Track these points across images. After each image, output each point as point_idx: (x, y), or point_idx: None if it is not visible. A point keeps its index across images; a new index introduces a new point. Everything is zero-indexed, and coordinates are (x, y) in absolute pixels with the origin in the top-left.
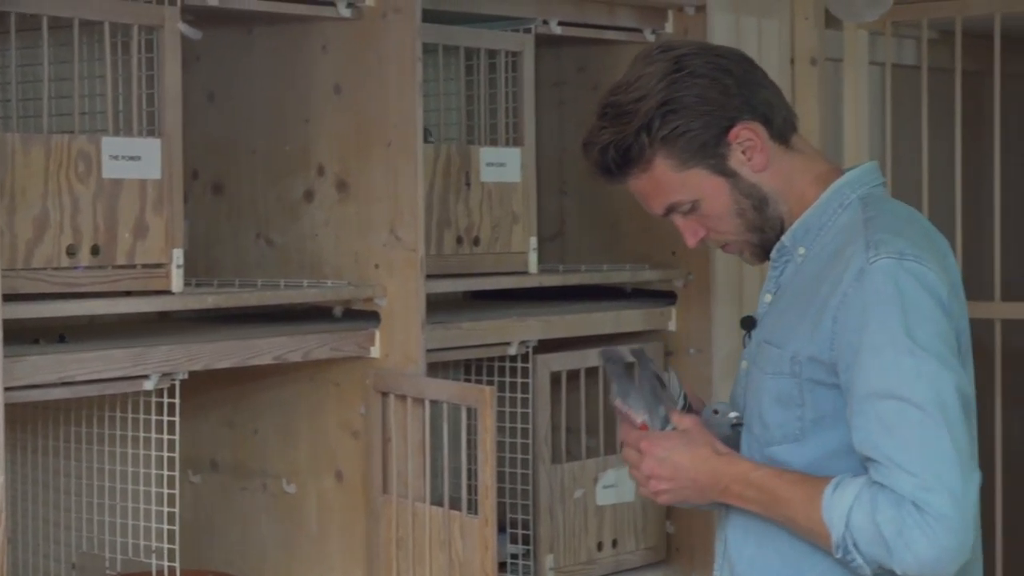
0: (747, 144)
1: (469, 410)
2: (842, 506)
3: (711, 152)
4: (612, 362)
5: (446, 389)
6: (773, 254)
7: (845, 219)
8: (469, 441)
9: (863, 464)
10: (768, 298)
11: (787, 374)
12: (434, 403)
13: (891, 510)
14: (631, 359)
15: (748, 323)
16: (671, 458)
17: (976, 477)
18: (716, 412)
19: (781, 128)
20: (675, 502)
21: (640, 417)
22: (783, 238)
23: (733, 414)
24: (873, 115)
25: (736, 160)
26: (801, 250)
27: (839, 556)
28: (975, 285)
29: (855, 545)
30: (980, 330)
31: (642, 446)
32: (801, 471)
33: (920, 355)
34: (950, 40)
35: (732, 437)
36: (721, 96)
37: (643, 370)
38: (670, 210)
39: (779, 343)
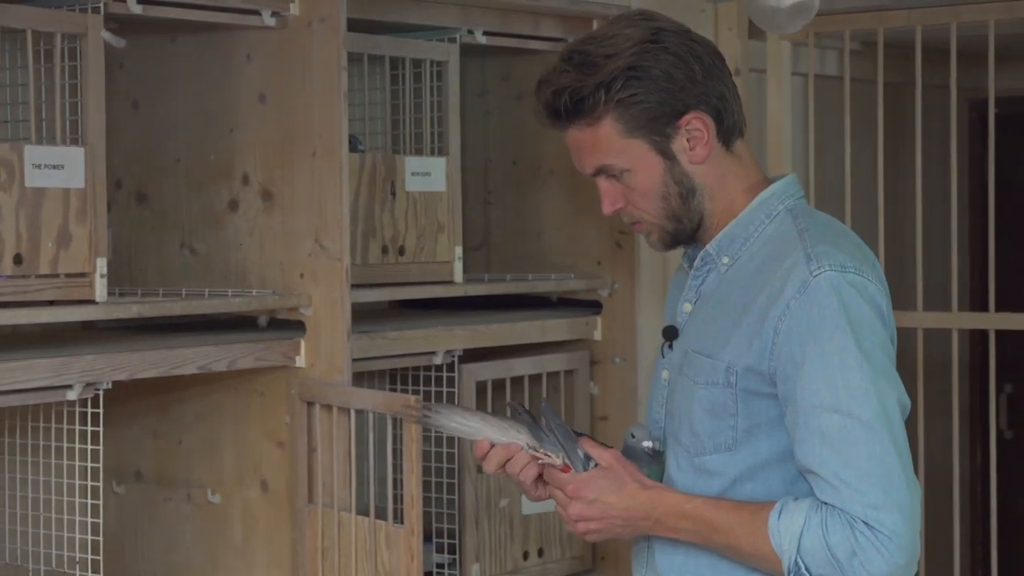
0: (694, 134)
1: (395, 419)
2: (791, 531)
3: (659, 130)
4: (520, 412)
5: (372, 398)
6: (696, 263)
7: (772, 230)
8: (395, 451)
9: (802, 475)
10: (688, 307)
11: (721, 384)
12: (360, 412)
13: (842, 531)
14: (522, 408)
15: (670, 333)
16: (600, 499)
17: (918, 489)
18: (633, 436)
19: (729, 130)
20: (605, 538)
21: (559, 460)
22: (708, 247)
23: (647, 443)
24: (796, 125)
25: (679, 145)
26: (725, 259)
27: None
28: (897, 295)
29: (807, 569)
30: (902, 339)
31: (568, 491)
32: (729, 491)
33: (866, 369)
34: (872, 51)
35: (653, 460)
36: (685, 79)
37: (550, 416)
38: (599, 171)
39: (711, 353)
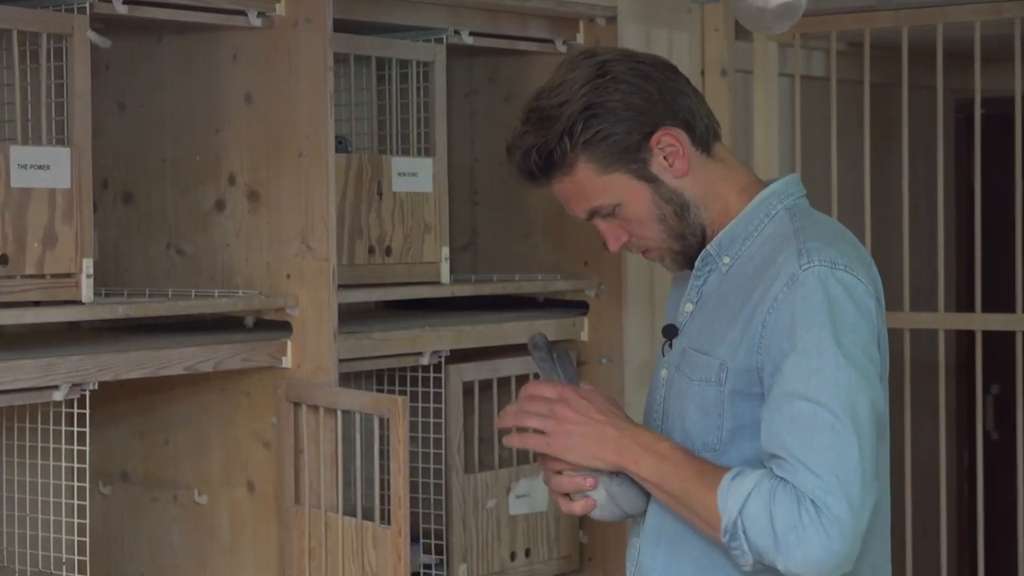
0: (669, 150)
1: (382, 420)
2: (739, 493)
3: (633, 157)
4: (538, 349)
5: (358, 399)
6: (697, 263)
7: (771, 229)
8: (382, 451)
9: (766, 462)
10: (689, 307)
11: (713, 381)
12: (346, 413)
13: (788, 504)
14: (544, 344)
15: (670, 331)
16: (582, 404)
17: (874, 495)
18: None
19: (703, 135)
20: (567, 452)
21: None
22: (708, 247)
23: None
24: (783, 126)
25: (658, 165)
26: (726, 259)
27: (724, 540)
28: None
29: (744, 532)
30: (890, 339)
31: (564, 392)
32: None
33: (843, 365)
34: (859, 52)
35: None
36: (643, 102)
37: (563, 358)
38: (593, 214)
39: (707, 351)
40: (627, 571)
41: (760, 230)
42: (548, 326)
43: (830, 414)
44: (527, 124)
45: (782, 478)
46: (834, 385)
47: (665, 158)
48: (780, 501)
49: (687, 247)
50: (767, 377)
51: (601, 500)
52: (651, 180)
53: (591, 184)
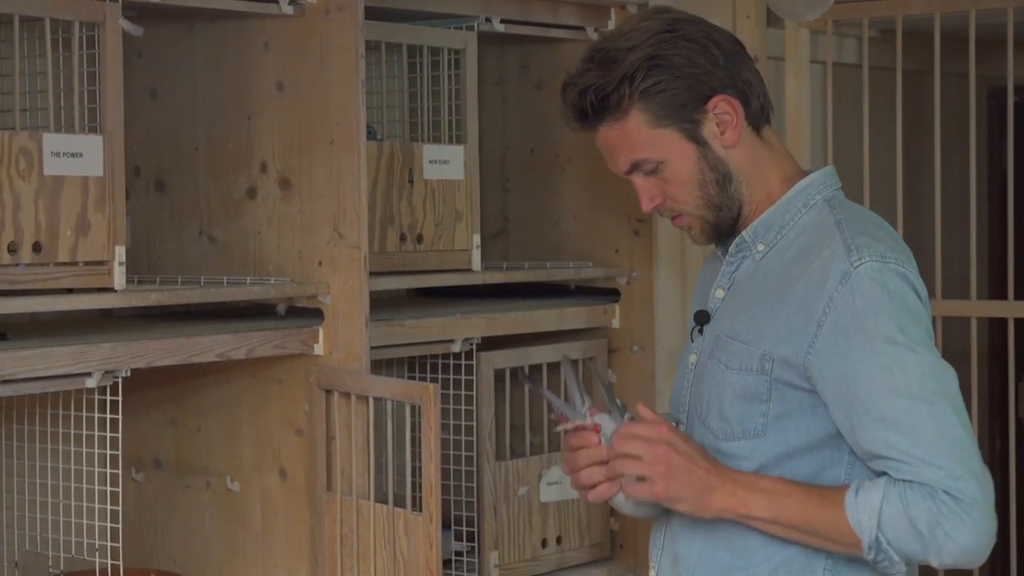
0: (723, 117)
1: (413, 407)
2: (870, 505)
3: (687, 116)
4: (572, 371)
5: (390, 386)
6: (732, 248)
7: (809, 219)
8: (413, 438)
9: (871, 464)
10: (720, 293)
11: (756, 371)
12: (378, 400)
13: (924, 502)
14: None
15: (702, 317)
16: (687, 449)
17: (987, 466)
18: None
19: (757, 113)
20: (672, 502)
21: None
22: (743, 233)
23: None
24: (815, 113)
25: (709, 130)
26: (760, 247)
27: (871, 557)
28: None
29: (888, 543)
30: None
31: (665, 435)
32: (756, 468)
33: (919, 351)
34: (891, 39)
35: None
36: (708, 63)
37: (606, 389)
38: (633, 167)
39: (747, 339)
40: (651, 556)
41: (797, 219)
42: (579, 313)
43: (924, 403)
44: (590, 63)
45: (907, 479)
46: (919, 373)
47: (718, 125)
48: (914, 502)
49: (721, 219)
50: (822, 377)
51: (625, 503)
52: (700, 143)
53: (640, 135)
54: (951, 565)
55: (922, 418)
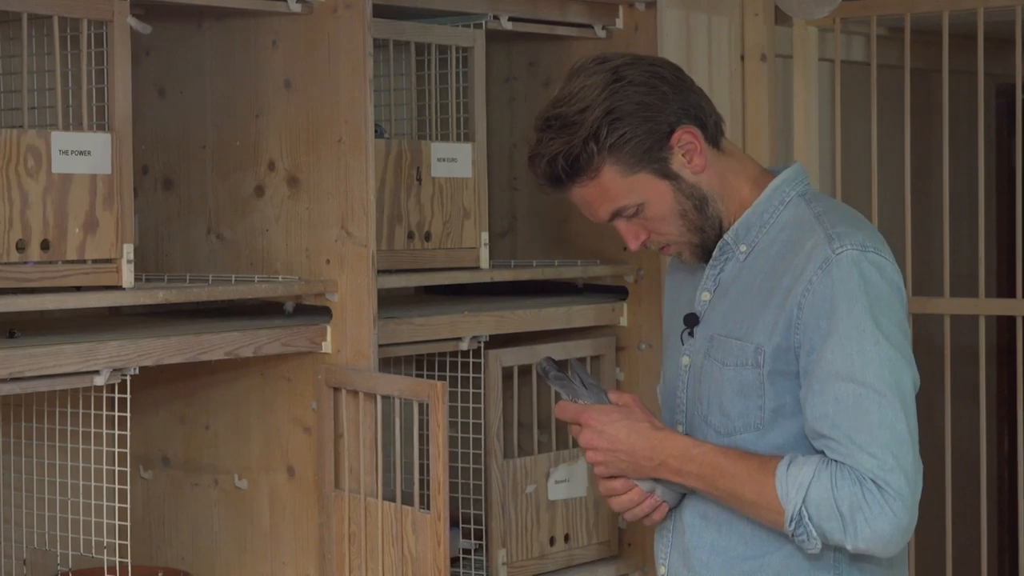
0: (688, 147)
1: (421, 405)
2: (799, 481)
3: (655, 156)
4: (553, 370)
5: (398, 384)
6: (715, 252)
7: (788, 215)
8: (421, 436)
9: (814, 442)
10: (707, 296)
11: (750, 365)
12: (386, 398)
13: (851, 487)
14: (558, 361)
15: (692, 320)
16: (606, 431)
17: (921, 466)
18: None
19: (714, 131)
20: (612, 472)
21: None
22: (725, 236)
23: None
24: (823, 111)
25: (678, 163)
26: (743, 247)
27: (790, 529)
28: (923, 281)
29: (809, 519)
30: (930, 325)
31: (582, 419)
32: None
33: (883, 344)
34: (899, 37)
35: None
36: (660, 102)
37: (579, 372)
38: (615, 215)
39: (740, 336)
40: (658, 555)
41: (775, 217)
42: (587, 311)
43: (875, 393)
44: (549, 132)
45: (838, 461)
46: (878, 364)
47: (684, 155)
48: (841, 485)
49: (706, 240)
50: (804, 355)
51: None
52: (672, 177)
53: (616, 186)
54: (863, 551)
55: (870, 407)
